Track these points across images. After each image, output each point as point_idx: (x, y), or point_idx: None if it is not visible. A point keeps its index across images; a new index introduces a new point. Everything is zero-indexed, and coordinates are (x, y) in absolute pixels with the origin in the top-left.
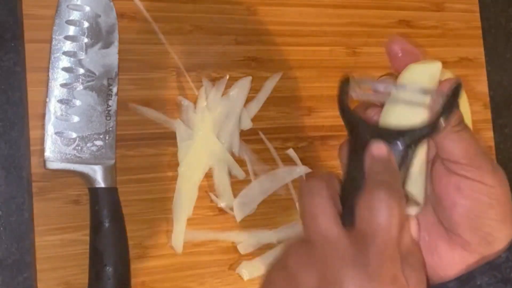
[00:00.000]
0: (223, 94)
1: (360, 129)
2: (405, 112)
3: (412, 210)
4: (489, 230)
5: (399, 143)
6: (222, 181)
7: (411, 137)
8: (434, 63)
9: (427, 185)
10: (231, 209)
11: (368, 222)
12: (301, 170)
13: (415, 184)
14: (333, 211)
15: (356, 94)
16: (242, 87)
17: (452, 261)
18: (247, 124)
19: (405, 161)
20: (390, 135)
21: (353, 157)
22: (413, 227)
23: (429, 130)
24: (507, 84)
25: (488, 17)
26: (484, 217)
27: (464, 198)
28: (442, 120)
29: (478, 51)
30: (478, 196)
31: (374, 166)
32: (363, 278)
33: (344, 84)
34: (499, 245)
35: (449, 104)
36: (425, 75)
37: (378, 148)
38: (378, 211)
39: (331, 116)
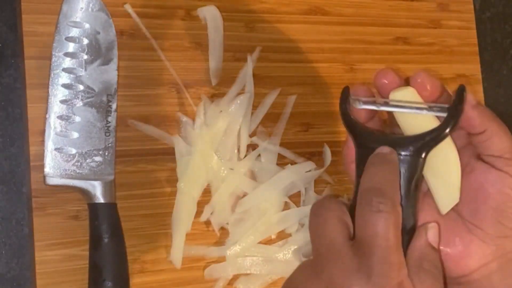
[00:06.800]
0: (221, 110)
1: (367, 138)
2: (413, 122)
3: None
4: (511, 224)
5: (407, 152)
6: (220, 197)
7: (419, 144)
8: (407, 88)
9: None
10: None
11: (363, 231)
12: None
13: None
14: (338, 223)
15: (357, 104)
16: (241, 103)
17: (470, 252)
18: (245, 141)
19: (416, 170)
20: (398, 142)
21: (360, 168)
22: (432, 231)
23: (436, 136)
24: (504, 100)
25: (484, 33)
26: (510, 212)
27: (497, 192)
28: (449, 128)
29: (474, 68)
30: (510, 192)
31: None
32: (368, 287)
33: (345, 94)
34: None
35: (455, 109)
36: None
37: (382, 150)
38: (372, 221)
39: (328, 132)
